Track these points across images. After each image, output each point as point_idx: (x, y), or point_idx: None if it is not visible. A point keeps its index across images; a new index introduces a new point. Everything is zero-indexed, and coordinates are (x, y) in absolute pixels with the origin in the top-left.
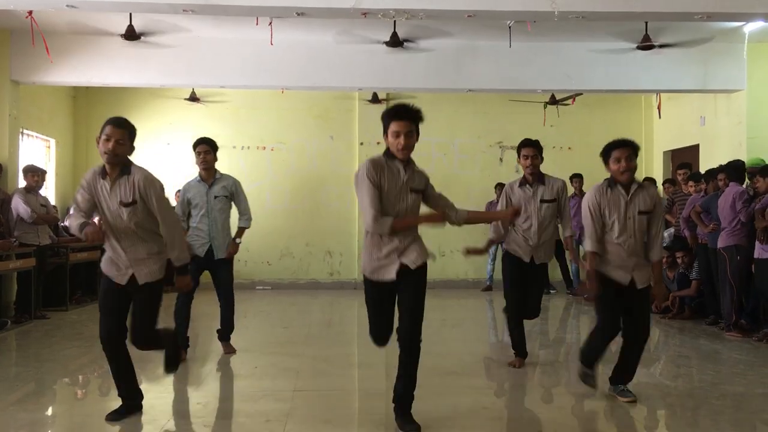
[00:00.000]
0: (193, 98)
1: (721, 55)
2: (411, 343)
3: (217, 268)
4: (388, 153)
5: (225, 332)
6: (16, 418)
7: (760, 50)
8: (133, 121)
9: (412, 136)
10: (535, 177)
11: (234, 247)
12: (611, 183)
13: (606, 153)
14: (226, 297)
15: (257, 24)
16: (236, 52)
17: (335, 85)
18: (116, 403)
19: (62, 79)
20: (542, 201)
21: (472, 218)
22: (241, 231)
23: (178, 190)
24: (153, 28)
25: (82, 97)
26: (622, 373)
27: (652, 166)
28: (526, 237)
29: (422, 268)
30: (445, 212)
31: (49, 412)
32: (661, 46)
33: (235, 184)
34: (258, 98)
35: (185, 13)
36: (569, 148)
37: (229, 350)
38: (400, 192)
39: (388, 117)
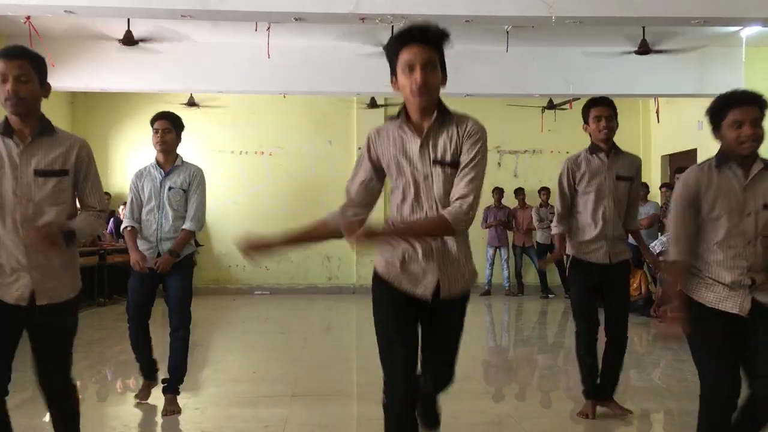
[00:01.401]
0: (192, 103)
1: (719, 60)
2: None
3: (169, 282)
4: (403, 111)
5: (171, 381)
6: (16, 423)
7: (757, 54)
8: (131, 127)
9: (435, 69)
10: (610, 146)
11: (167, 260)
12: (721, 160)
13: (719, 112)
14: (177, 323)
15: (256, 30)
16: (234, 57)
17: (333, 90)
18: (115, 408)
19: (60, 84)
20: (618, 177)
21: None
22: (183, 237)
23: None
24: (151, 34)
25: (80, 102)
26: None
27: (650, 170)
28: (597, 228)
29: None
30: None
31: (47, 418)
32: (658, 51)
33: (197, 174)
34: (256, 103)
35: (183, 19)
36: (567, 152)
37: (172, 409)
38: (415, 166)
39: (397, 44)
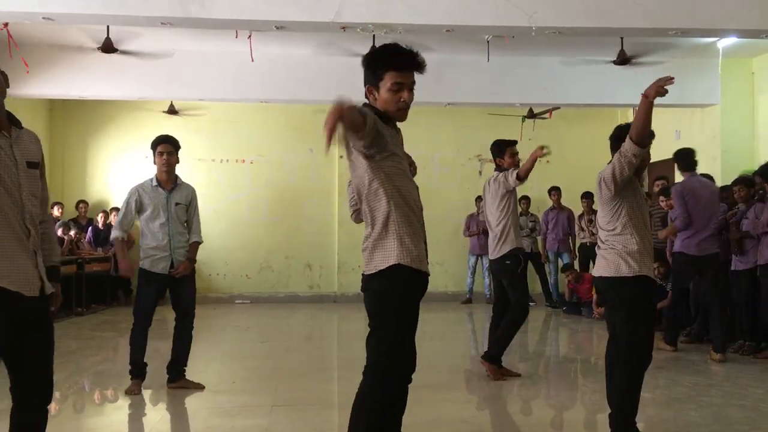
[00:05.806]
0: (172, 111)
1: (696, 70)
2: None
3: (181, 286)
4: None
5: (180, 366)
6: None
7: (733, 65)
8: (110, 134)
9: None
10: None
11: (187, 266)
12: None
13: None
14: (188, 320)
15: (236, 37)
16: (215, 65)
17: (314, 98)
18: (93, 419)
19: (39, 91)
20: None
21: None
22: (195, 247)
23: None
24: (131, 41)
25: (58, 109)
26: None
27: None
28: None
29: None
30: None
31: None
32: (636, 62)
33: (194, 192)
34: (237, 111)
35: (163, 26)
36: (547, 161)
37: (194, 385)
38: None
39: (391, 64)
